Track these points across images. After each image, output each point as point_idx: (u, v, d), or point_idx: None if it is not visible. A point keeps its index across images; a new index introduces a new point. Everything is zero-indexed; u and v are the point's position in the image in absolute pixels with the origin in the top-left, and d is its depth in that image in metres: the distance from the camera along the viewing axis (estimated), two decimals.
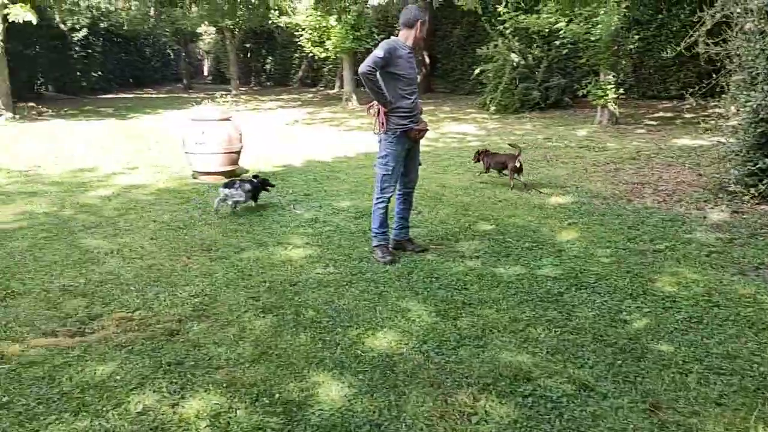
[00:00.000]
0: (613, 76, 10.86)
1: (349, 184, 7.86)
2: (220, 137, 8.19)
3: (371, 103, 4.67)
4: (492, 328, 3.54)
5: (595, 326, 3.52)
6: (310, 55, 18.10)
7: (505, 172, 7.34)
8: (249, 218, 6.22)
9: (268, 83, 33.12)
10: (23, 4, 14.67)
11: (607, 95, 10.87)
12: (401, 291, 4.17)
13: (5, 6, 14.74)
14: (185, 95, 28.38)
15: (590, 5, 10.04)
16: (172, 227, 5.96)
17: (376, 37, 17.17)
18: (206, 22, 25.82)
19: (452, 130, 12.51)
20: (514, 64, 14.43)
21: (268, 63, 33.11)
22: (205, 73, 48.55)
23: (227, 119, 8.48)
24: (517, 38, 15.37)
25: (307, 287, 4.31)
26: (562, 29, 9.95)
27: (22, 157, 10.16)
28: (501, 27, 15.63)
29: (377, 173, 4.78)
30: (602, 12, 9.15)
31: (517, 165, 7.07)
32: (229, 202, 6.38)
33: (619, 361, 3.14)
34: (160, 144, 12.11)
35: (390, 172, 4.78)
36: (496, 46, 15.21)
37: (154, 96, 28.77)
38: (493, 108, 14.63)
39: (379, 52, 4.41)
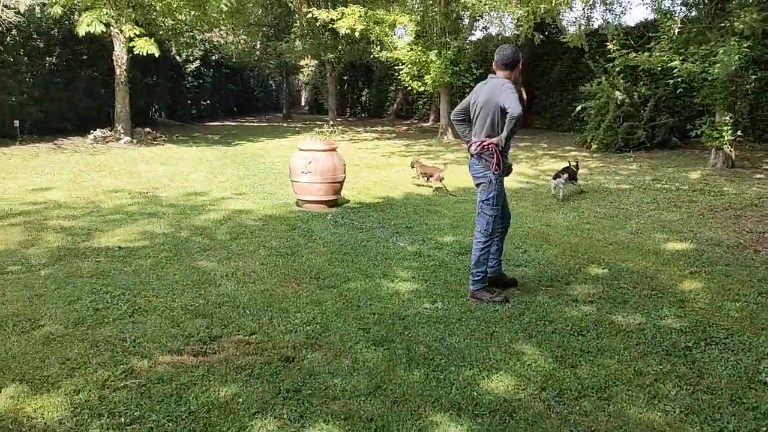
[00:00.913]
0: (730, 117, 10.30)
1: (450, 218, 7.84)
2: (325, 167, 8.43)
3: (483, 142, 4.62)
4: (616, 380, 3.37)
5: (732, 387, 3.28)
6: (408, 88, 18.36)
7: (431, 181, 10.07)
8: (354, 248, 6.32)
9: (363, 114, 33.93)
10: (148, 38, 15.85)
11: (723, 137, 10.31)
12: (513, 332, 4.07)
13: (131, 39, 15.98)
14: (285, 124, 29.60)
15: (707, 44, 9.63)
16: (281, 253, 6.14)
17: (475, 71, 17.24)
18: (309, 55, 26.86)
19: (552, 168, 12.24)
20: (618, 102, 14.03)
21: (363, 95, 33.95)
22: (303, 104, 50.46)
23: (333, 150, 8.72)
24: (621, 75, 14.98)
25: (416, 322, 4.29)
26: (676, 67, 9.57)
27: (142, 179, 10.86)
28: (606, 64, 15.30)
29: (486, 215, 4.71)
30: (721, 50, 8.73)
31: (442, 177, 9.87)
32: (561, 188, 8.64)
33: (764, 428, 2.89)
34: (264, 171, 12.61)
35: (499, 212, 4.74)
36: (599, 83, 14.87)
37: (255, 124, 30.16)
38: (594, 146, 14.23)
39: (515, 93, 4.42)
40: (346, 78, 33.05)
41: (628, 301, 4.62)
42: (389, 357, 3.74)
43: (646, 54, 10.03)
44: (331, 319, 4.36)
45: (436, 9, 17.16)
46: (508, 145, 4.66)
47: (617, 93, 14.42)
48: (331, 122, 26.03)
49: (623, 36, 12.88)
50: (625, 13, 14.49)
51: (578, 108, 15.10)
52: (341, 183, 8.80)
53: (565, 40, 12.55)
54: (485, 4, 10.55)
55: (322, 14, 17.35)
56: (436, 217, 7.96)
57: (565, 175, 9.00)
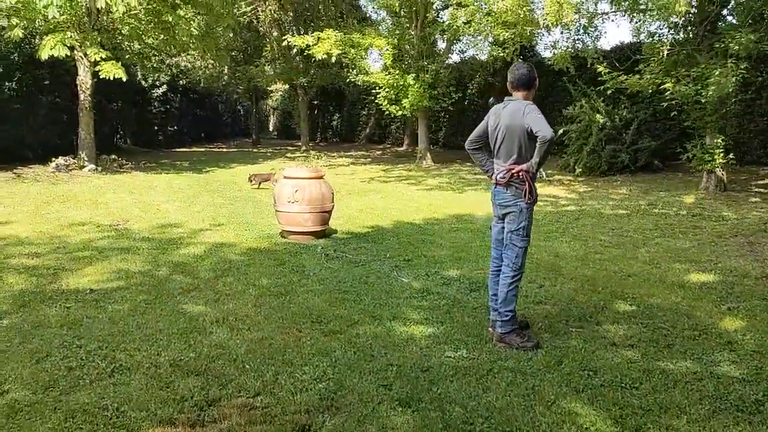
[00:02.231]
0: (722, 140, 10.15)
1: (449, 249, 7.37)
2: (313, 196, 7.90)
3: (511, 169, 4.19)
4: None
5: None
6: (386, 113, 18.01)
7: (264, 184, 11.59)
8: (354, 286, 5.78)
9: (335, 139, 33.51)
10: (114, 62, 15.17)
11: (715, 160, 10.15)
12: (557, 386, 3.59)
13: (97, 63, 15.27)
14: (255, 150, 28.97)
15: (698, 66, 9.49)
16: (273, 293, 5.57)
17: (453, 95, 16.99)
18: (280, 80, 26.40)
19: (541, 193, 11.93)
20: (600, 125, 13.88)
21: (335, 119, 33.58)
22: (271, 129, 49.83)
23: (320, 177, 8.21)
24: (602, 99, 14.89)
25: (442, 375, 3.78)
26: (669, 90, 9.39)
27: (110, 210, 10.15)
28: (587, 87, 15.21)
29: (515, 247, 4.27)
30: (717, 72, 8.57)
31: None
32: None
33: None
34: (240, 199, 12.02)
35: (528, 243, 4.30)
36: (581, 106, 14.76)
37: (224, 150, 29.45)
38: (579, 170, 14.02)
39: (540, 114, 4.01)
40: (316, 102, 32.65)
41: (673, 345, 4.18)
42: (422, 422, 3.21)
43: (637, 77, 9.85)
44: (344, 373, 3.81)
45: (413, 32, 16.90)
46: (537, 171, 4.24)
47: (598, 116, 14.29)
48: (303, 147, 25.52)
49: (601, 59, 12.79)
50: (600, 37, 14.45)
51: (560, 131, 14.91)
52: (330, 212, 8.28)
53: (549, 63, 12.36)
54: (471, 27, 10.28)
55: (297, 40, 16.93)
56: (433, 247, 7.49)
57: None
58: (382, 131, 28.91)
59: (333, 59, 16.47)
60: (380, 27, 20.00)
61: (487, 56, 15.69)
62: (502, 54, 12.06)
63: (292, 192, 7.86)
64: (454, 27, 12.41)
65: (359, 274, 6.25)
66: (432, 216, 9.82)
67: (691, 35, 10.04)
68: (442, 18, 18.28)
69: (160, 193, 12.53)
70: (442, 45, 18.70)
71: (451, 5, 14.54)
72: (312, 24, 22.09)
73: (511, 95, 4.33)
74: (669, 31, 10.21)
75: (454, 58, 18.19)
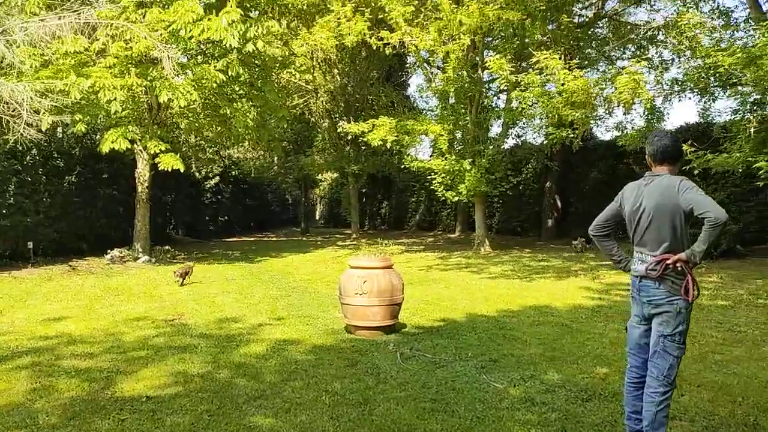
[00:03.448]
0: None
1: (537, 347, 6.56)
2: (382, 287, 7.28)
3: (665, 259, 3.47)
4: None
5: None
6: (439, 199, 17.57)
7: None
8: (441, 392, 5.03)
9: (383, 227, 33.23)
10: (173, 154, 15.32)
11: None
12: None
13: (156, 156, 15.45)
14: (304, 238, 28.82)
15: None
16: (350, 401, 4.86)
17: (512, 180, 16.51)
18: (331, 169, 26.57)
19: (618, 281, 11.06)
20: None
21: (383, 207, 33.45)
22: (317, 217, 50.21)
23: (389, 266, 7.62)
24: None
25: None
26: (763, 168, 8.66)
27: (165, 304, 9.72)
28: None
29: (669, 356, 3.50)
30: None
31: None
32: None
33: None
34: (296, 290, 11.49)
35: (684, 353, 3.54)
36: None
37: (274, 239, 29.41)
38: None
39: (702, 192, 3.39)
40: (364, 190, 32.67)
41: None
42: None
43: (724, 155, 9.16)
44: None
45: (468, 118, 16.71)
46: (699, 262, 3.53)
47: None
48: (353, 235, 25.21)
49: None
50: (664, 118, 13.90)
51: None
52: (400, 305, 7.61)
53: (620, 143, 11.82)
54: (537, 109, 9.91)
55: (353, 128, 16.93)
56: (519, 345, 6.69)
57: None
58: (432, 218, 28.48)
59: (388, 145, 16.30)
60: (431, 114, 20.02)
61: (546, 139, 15.24)
62: (571, 135, 11.58)
63: (359, 283, 7.27)
64: (519, 109, 12.07)
65: (443, 377, 5.50)
66: (506, 308, 9.04)
67: None
68: (496, 102, 18.19)
69: (213, 285, 12.11)
70: (497, 129, 18.47)
71: (507, 88, 14.33)
72: (362, 113, 22.28)
73: (650, 170, 3.71)
74: (755, 107, 9.59)
75: (510, 142, 17.90)
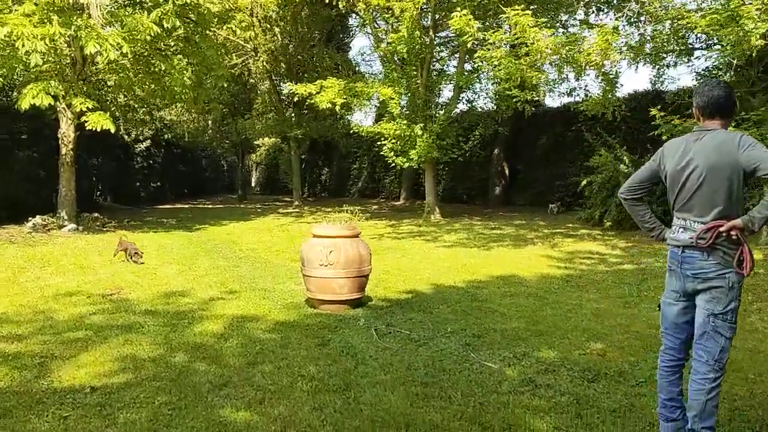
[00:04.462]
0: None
1: (519, 320, 6.18)
2: (350, 257, 6.70)
3: (717, 226, 3.02)
4: None
5: None
6: (392, 164, 16.98)
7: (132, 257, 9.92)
8: (430, 374, 4.55)
9: (323, 194, 32.46)
10: (102, 113, 14.03)
11: None
12: None
13: (83, 114, 14.11)
14: (242, 206, 27.70)
15: (756, 109, 8.68)
16: (331, 387, 4.31)
17: (464, 146, 16.11)
18: (272, 133, 25.45)
19: (578, 249, 10.90)
20: (626, 175, 13.01)
21: (324, 174, 32.63)
22: (253, 184, 48.70)
23: (356, 235, 7.04)
24: (623, 147, 14.14)
25: None
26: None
27: (99, 276, 8.80)
28: (607, 135, 14.46)
29: (722, 338, 3.06)
30: None
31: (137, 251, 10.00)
32: None
33: None
34: (245, 260, 10.76)
35: (735, 333, 3.14)
36: (600, 156, 13.97)
37: (210, 206, 28.13)
38: (608, 223, 13.06)
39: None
40: (304, 157, 31.72)
41: None
42: None
43: (693, 120, 8.95)
44: None
45: (419, 81, 16.11)
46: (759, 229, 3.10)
47: (622, 166, 13.47)
48: (296, 202, 24.38)
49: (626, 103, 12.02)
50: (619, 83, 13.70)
51: (584, 182, 14.03)
52: (367, 277, 7.07)
53: (582, 107, 11.55)
54: (503, 68, 9.41)
55: (300, 89, 16.00)
56: (498, 318, 6.29)
57: None
58: (375, 185, 27.93)
59: (337, 108, 15.53)
60: (375, 78, 19.31)
61: (505, 103, 14.84)
62: (535, 98, 11.19)
63: (325, 253, 6.66)
64: (483, 69, 11.52)
65: (428, 356, 5.01)
66: (472, 278, 8.66)
67: (743, 77, 9.28)
68: (448, 65, 17.67)
69: (152, 255, 11.16)
70: (447, 94, 17.98)
71: (460, 48, 13.77)
72: (305, 75, 21.30)
73: (698, 124, 3.24)
74: (724, 73, 9.46)
75: (460, 107, 17.42)
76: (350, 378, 4.53)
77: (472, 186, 22.02)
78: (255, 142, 32.43)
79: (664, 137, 9.22)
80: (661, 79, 12.92)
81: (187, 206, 27.75)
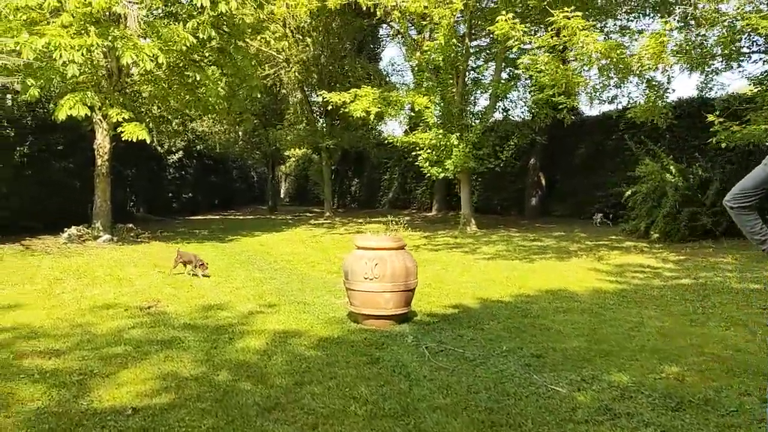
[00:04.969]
0: None
1: (579, 339, 5.78)
2: (396, 270, 6.39)
3: None
4: None
5: None
6: (427, 174, 16.66)
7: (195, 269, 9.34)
8: (494, 399, 4.20)
9: (353, 205, 32.27)
10: (137, 123, 14.01)
11: None
12: None
13: (118, 125, 14.10)
14: (273, 217, 27.65)
15: None
16: (387, 412, 3.99)
17: (500, 155, 15.72)
18: (304, 143, 25.35)
19: (627, 262, 10.43)
20: (678, 185, 12.50)
21: (354, 184, 32.45)
22: (282, 195, 48.80)
23: (402, 247, 6.73)
24: (670, 156, 13.62)
25: None
26: None
27: (136, 288, 8.63)
28: (651, 144, 13.97)
29: None
30: None
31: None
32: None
33: None
34: (281, 272, 10.52)
35: None
36: (646, 165, 13.47)
37: (241, 217, 28.14)
38: (655, 235, 12.54)
39: None
40: (334, 167, 31.63)
41: None
42: None
43: (753, 126, 8.48)
44: None
45: (454, 90, 15.81)
46: None
47: (668, 176, 12.94)
48: (327, 213, 24.19)
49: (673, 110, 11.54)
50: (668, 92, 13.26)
51: (628, 192, 13.54)
52: (413, 291, 6.75)
53: (630, 115, 11.11)
54: (547, 74, 9.04)
55: (334, 97, 15.82)
56: (556, 336, 5.90)
57: None
58: (406, 196, 27.63)
59: (372, 117, 15.29)
60: (405, 88, 19.06)
61: (544, 111, 14.48)
62: (583, 105, 10.78)
63: (370, 266, 6.35)
64: (529, 75, 11.13)
65: (487, 378, 4.66)
66: (519, 292, 8.26)
67: None
68: (484, 75, 17.34)
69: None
70: (483, 103, 17.62)
71: (494, 56, 13.39)
72: (337, 86, 21.14)
73: None
74: None
75: (496, 116, 17.06)
76: (407, 401, 4.20)
77: (508, 196, 21.58)
78: (285, 153, 32.37)
79: (722, 145, 8.77)
80: (709, 86, 12.32)
81: (218, 217, 27.79)
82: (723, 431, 3.55)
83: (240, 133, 30.23)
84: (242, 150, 31.98)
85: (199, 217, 27.11)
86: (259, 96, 19.68)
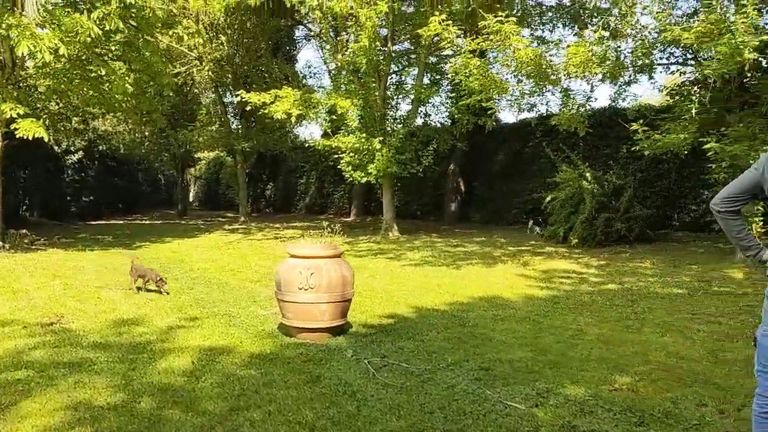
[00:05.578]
0: (763, 205, 9.20)
1: (523, 349, 5.63)
2: (333, 280, 6.02)
3: None
4: None
5: None
6: (343, 180, 16.35)
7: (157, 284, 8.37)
8: (452, 419, 3.93)
9: (268, 210, 31.39)
10: (34, 120, 12.81)
11: (753, 228, 9.15)
12: None
13: (13, 121, 12.83)
14: (183, 222, 26.35)
15: (730, 126, 8.58)
16: None
17: (423, 161, 15.62)
18: (218, 145, 24.30)
19: (552, 268, 10.55)
20: (594, 191, 12.87)
21: (268, 188, 31.60)
22: (191, 199, 46.87)
23: (339, 255, 6.37)
24: (586, 164, 14.03)
25: None
26: (713, 149, 8.39)
27: (35, 302, 7.74)
28: (569, 151, 14.35)
29: None
30: None
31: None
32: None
33: None
34: (199, 281, 9.86)
35: None
36: (564, 171, 13.82)
37: (148, 222, 26.62)
38: (574, 240, 12.82)
39: None
40: (248, 171, 30.66)
41: None
42: None
43: (672, 136, 8.79)
44: None
45: (376, 93, 15.59)
46: None
47: (584, 182, 13.32)
48: (242, 218, 23.32)
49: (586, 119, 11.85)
50: (591, 99, 13.65)
51: (547, 198, 13.81)
52: (350, 301, 6.40)
53: (554, 122, 11.29)
54: (475, 78, 8.98)
55: (253, 98, 15.15)
56: (500, 346, 5.73)
57: None
58: (323, 201, 27.16)
59: (293, 119, 14.80)
60: (322, 91, 18.72)
61: (463, 118, 14.56)
62: (524, 109, 10.78)
63: (306, 276, 5.95)
64: (458, 80, 11.02)
65: (438, 395, 4.39)
66: (452, 299, 8.10)
67: (716, 92, 9.19)
68: (404, 79, 17.23)
69: (92, 276, 10.13)
70: (404, 108, 17.50)
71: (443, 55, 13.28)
72: (253, 86, 20.38)
73: None
74: (698, 89, 9.37)
75: (419, 121, 16.96)
76: (357, 425, 3.85)
77: (427, 202, 21.63)
78: (196, 155, 31.00)
79: (646, 152, 9.02)
80: (622, 96, 12.78)
81: (122, 222, 26.16)
82: None
83: (147, 133, 28.64)
84: (149, 151, 30.28)
85: (102, 222, 25.39)
86: (171, 94, 18.62)
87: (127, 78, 15.10)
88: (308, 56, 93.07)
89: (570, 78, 8.81)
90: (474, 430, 3.76)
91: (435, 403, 4.23)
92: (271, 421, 3.92)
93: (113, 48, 14.80)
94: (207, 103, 24.28)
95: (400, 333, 6.33)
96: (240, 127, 22.39)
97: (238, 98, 16.16)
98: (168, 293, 8.37)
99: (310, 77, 29.61)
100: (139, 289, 8.51)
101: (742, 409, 4.00)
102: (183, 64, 21.92)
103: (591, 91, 10.54)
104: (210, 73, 21.36)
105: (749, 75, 8.68)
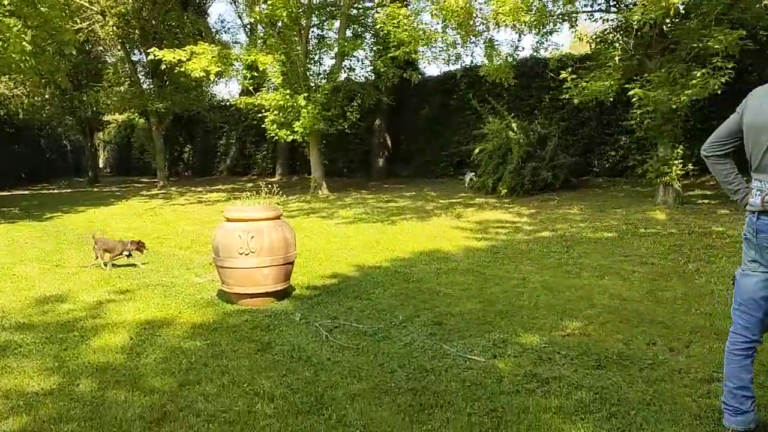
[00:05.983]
0: (682, 150, 9.58)
1: (471, 301, 5.65)
2: (274, 243, 5.79)
3: None
4: None
5: None
6: (266, 139, 15.82)
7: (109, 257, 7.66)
8: (414, 378, 3.87)
9: (187, 173, 30.18)
10: None
11: (673, 171, 9.55)
12: None
13: None
14: (95, 189, 24.94)
15: (650, 72, 8.80)
16: (301, 408, 3.50)
17: (350, 116, 15.29)
18: (129, 107, 22.90)
19: (485, 218, 10.69)
20: (521, 141, 13.06)
21: (186, 151, 30.32)
22: (101, 165, 44.40)
23: (279, 217, 6.12)
24: (511, 114, 14.18)
25: None
26: (638, 95, 8.60)
27: None
28: (495, 102, 14.45)
29: None
30: (699, 73, 7.89)
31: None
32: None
33: None
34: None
35: None
36: (491, 123, 13.94)
37: (56, 191, 25.02)
38: (503, 190, 13.02)
39: None
40: (164, 133, 29.23)
41: None
42: None
43: (600, 83, 8.95)
44: None
45: (298, 48, 15.04)
46: None
47: (511, 133, 13.49)
48: (161, 183, 22.30)
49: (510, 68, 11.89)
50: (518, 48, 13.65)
51: (476, 150, 13.90)
52: (293, 263, 6.19)
53: (482, 73, 11.23)
54: (403, 29, 8.73)
55: (168, 55, 14.23)
56: (448, 300, 5.71)
57: None
58: (246, 161, 26.35)
59: (211, 77, 14.07)
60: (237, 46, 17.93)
61: (385, 69, 14.31)
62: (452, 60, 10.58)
63: (246, 240, 5.68)
64: (386, 32, 10.69)
65: (398, 354, 4.32)
66: (393, 255, 8.04)
67: (638, 40, 9.40)
68: (327, 32, 16.67)
69: (3, 252, 9.38)
70: (328, 63, 17.02)
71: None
72: (164, 43, 19.20)
73: None
74: (621, 36, 9.54)
75: (343, 76, 16.49)
76: (318, 391, 3.72)
77: (354, 158, 21.38)
78: (104, 119, 29.16)
79: (575, 101, 9.16)
80: (544, 46, 12.89)
81: (27, 192, 24.48)
82: (651, 386, 3.53)
83: (48, 96, 26.60)
84: (51, 115, 28.22)
85: (5, 194, 23.63)
86: (73, 53, 17.25)
87: (23, 35, 13.80)
88: (220, 10, 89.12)
89: (499, 26, 8.75)
90: (438, 387, 3.71)
91: (395, 362, 4.15)
92: (227, 393, 3.73)
93: (5, 2, 13.46)
94: (114, 62, 22.73)
95: (345, 293, 6.20)
96: (152, 86, 21.15)
97: (150, 56, 15.09)
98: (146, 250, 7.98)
99: (225, 32, 28.40)
100: (105, 264, 7.72)
101: (690, 345, 4.15)
102: (84, 20, 20.31)
103: (519, 41, 10.54)
104: (115, 28, 19.91)
105: (669, 22, 8.93)
